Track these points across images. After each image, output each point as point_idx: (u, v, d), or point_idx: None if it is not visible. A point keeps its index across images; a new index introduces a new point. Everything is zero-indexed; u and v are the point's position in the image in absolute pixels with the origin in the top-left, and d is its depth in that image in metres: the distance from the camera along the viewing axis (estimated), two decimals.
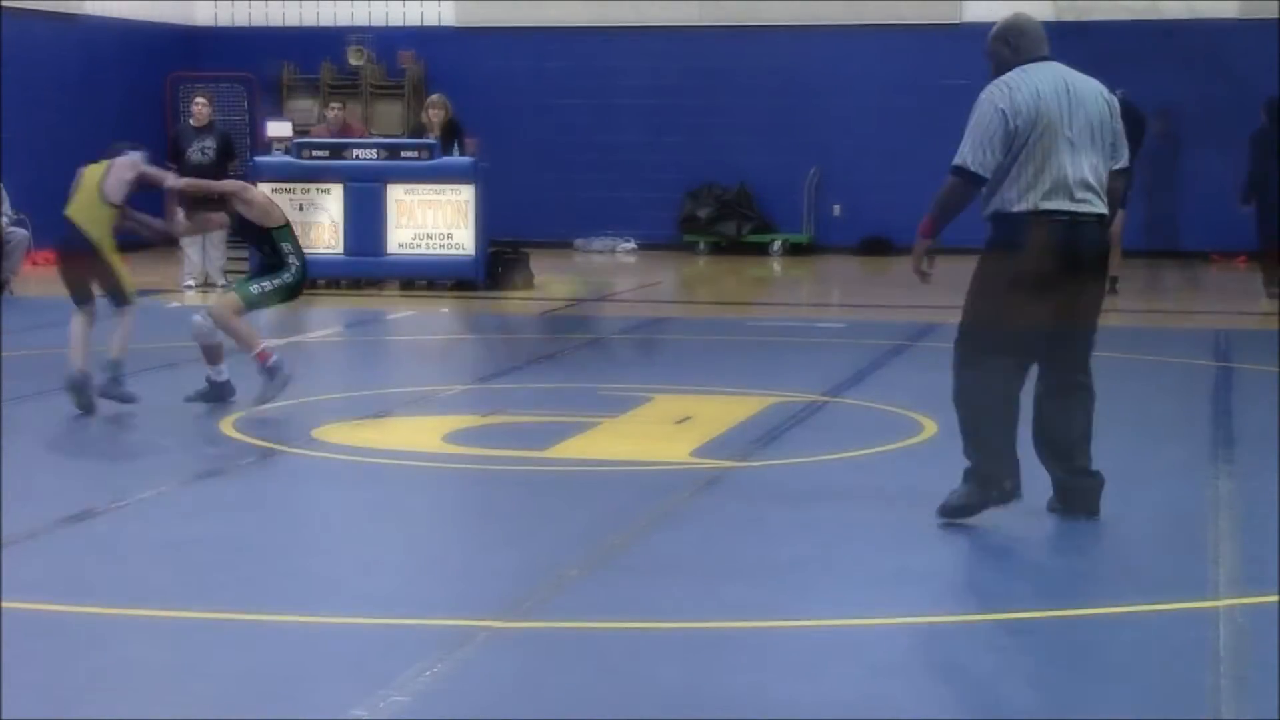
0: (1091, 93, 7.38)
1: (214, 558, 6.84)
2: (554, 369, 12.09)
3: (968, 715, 5.08)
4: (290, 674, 5.40)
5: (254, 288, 10.24)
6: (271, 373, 10.05)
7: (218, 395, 10.19)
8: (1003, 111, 7.17)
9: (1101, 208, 7.28)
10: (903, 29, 22.62)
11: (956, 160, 7.23)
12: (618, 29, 23.63)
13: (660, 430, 9.65)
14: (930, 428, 9.65)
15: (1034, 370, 7.45)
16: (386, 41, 24.11)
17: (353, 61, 23.85)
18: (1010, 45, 7.45)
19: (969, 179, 7.20)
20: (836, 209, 23.10)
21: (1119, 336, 14.51)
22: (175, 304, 16.90)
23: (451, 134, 17.92)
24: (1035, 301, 7.15)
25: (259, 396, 10.06)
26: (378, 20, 24.38)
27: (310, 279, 17.69)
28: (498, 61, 23.90)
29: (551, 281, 18.40)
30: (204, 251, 18.04)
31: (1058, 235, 7.15)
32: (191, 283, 18.01)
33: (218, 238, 18.09)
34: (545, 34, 23.85)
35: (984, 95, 7.26)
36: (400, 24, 24.38)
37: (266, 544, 7.20)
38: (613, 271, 21.33)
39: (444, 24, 24.28)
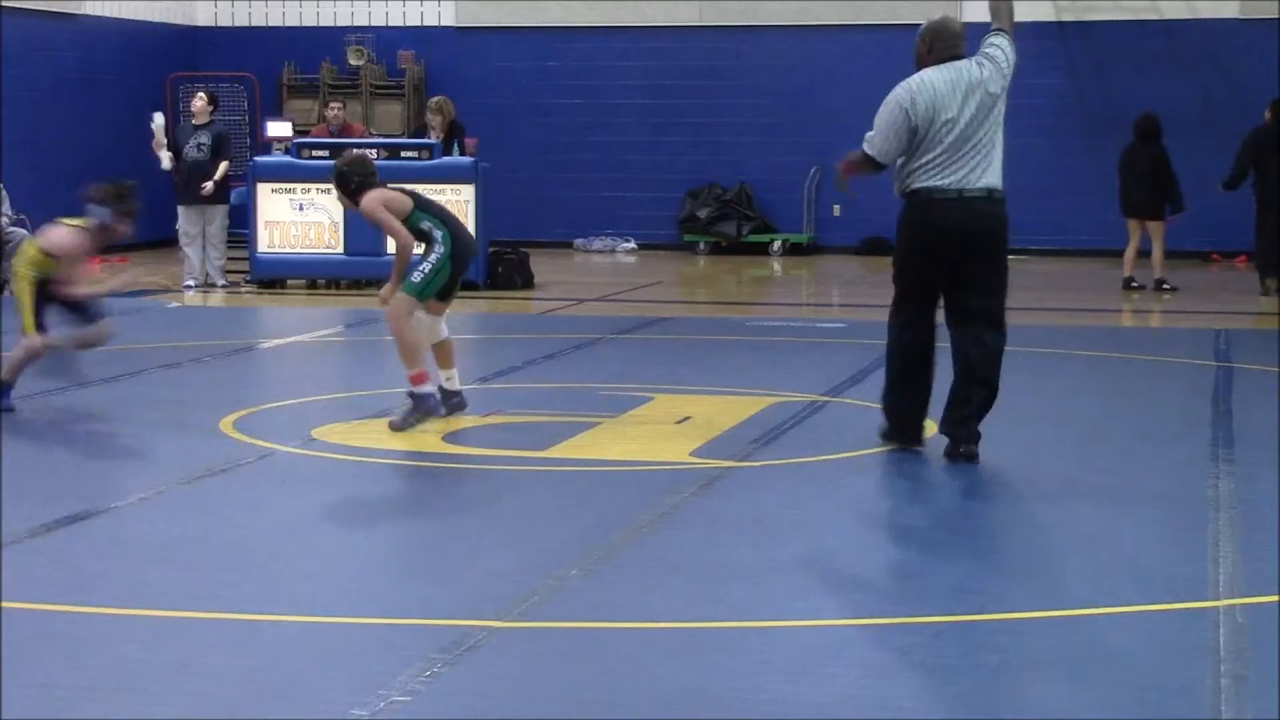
0: (983, 75, 8.62)
1: (214, 558, 6.85)
2: (554, 369, 12.08)
3: (968, 715, 5.08)
4: (290, 674, 5.40)
5: (415, 277, 9.46)
6: (418, 402, 9.33)
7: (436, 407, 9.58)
8: (905, 110, 8.53)
9: (995, 183, 8.64)
10: (903, 29, 22.54)
11: (865, 146, 8.65)
12: (618, 29, 23.63)
13: (660, 430, 9.64)
14: (930, 428, 9.64)
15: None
16: (386, 41, 24.12)
17: (353, 61, 23.86)
18: (927, 45, 8.74)
19: (871, 162, 8.67)
20: (836, 209, 23.09)
21: (1119, 336, 14.52)
22: (175, 304, 16.92)
23: (453, 134, 17.93)
24: (929, 267, 8.64)
25: (395, 421, 9.37)
26: (378, 20, 24.38)
27: (319, 277, 18.02)
28: (498, 61, 23.90)
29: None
30: (204, 251, 18.05)
31: (947, 209, 8.55)
32: (191, 283, 18.01)
33: (218, 238, 18.12)
34: (545, 34, 23.85)
35: (891, 93, 8.59)
36: (400, 24, 24.38)
37: (266, 544, 7.20)
38: (613, 271, 21.33)
39: (444, 24, 24.27)
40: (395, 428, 9.34)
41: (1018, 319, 15.76)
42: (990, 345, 8.71)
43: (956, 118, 8.49)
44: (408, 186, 9.87)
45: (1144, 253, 18.44)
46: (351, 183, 9.62)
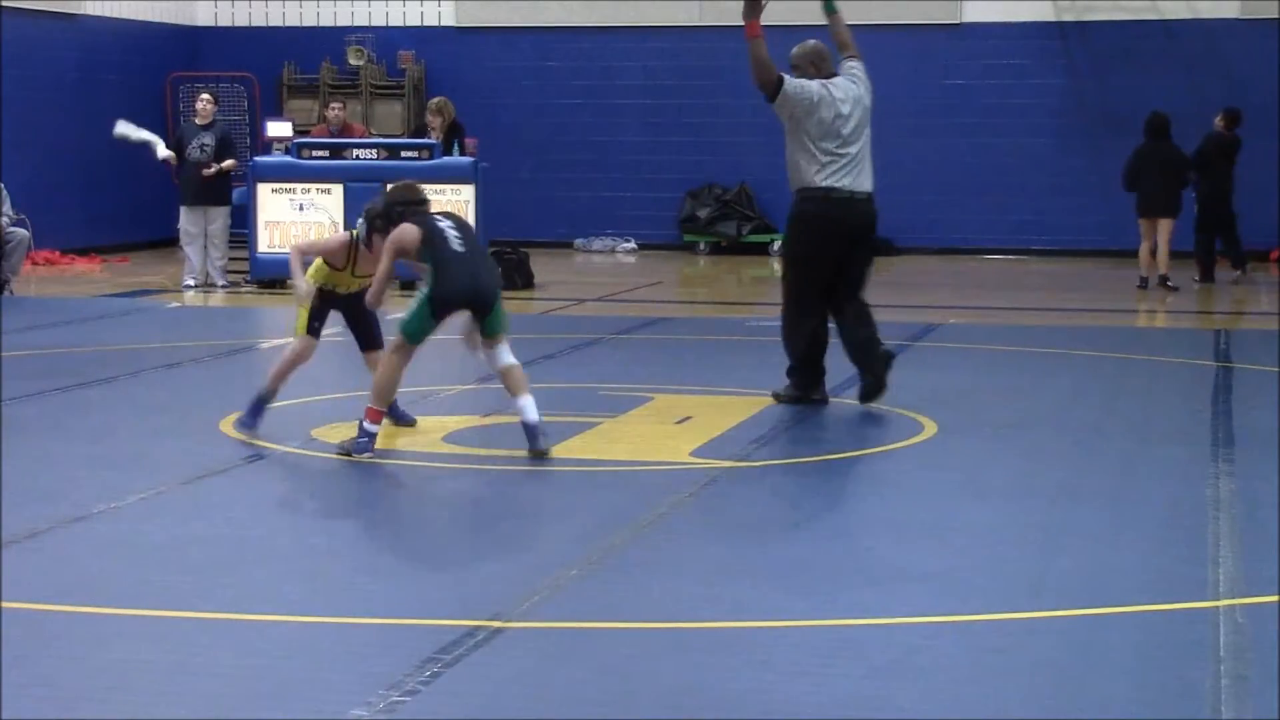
0: (862, 89, 10.47)
1: (214, 558, 6.85)
2: (554, 369, 12.07)
3: (968, 715, 5.08)
4: (290, 674, 5.40)
5: (403, 316, 8.98)
6: (361, 435, 8.84)
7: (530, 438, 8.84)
8: (819, 91, 10.32)
9: (871, 186, 10.36)
10: (903, 29, 22.59)
11: (790, 79, 10.34)
12: (618, 29, 23.62)
13: (660, 430, 9.64)
14: (930, 428, 9.65)
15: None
16: (386, 41, 24.12)
17: (353, 61, 23.86)
18: (815, 65, 10.50)
19: (776, 87, 10.30)
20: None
21: (1119, 336, 14.52)
22: (175, 304, 16.92)
23: (453, 134, 17.93)
24: (826, 254, 10.31)
25: (345, 444, 8.92)
26: (378, 20, 24.38)
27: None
28: (498, 61, 23.89)
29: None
30: (204, 251, 18.05)
31: (840, 207, 10.25)
32: (192, 282, 18.01)
33: (219, 238, 18.11)
34: (545, 34, 23.85)
35: (814, 83, 10.36)
36: (400, 24, 24.39)
37: (266, 544, 7.20)
38: (613, 271, 21.33)
39: (444, 24, 24.27)
40: (340, 449, 8.90)
41: (1019, 319, 15.85)
42: (872, 327, 10.42)
43: (847, 119, 10.27)
44: (434, 215, 9.14)
45: (1152, 252, 18.50)
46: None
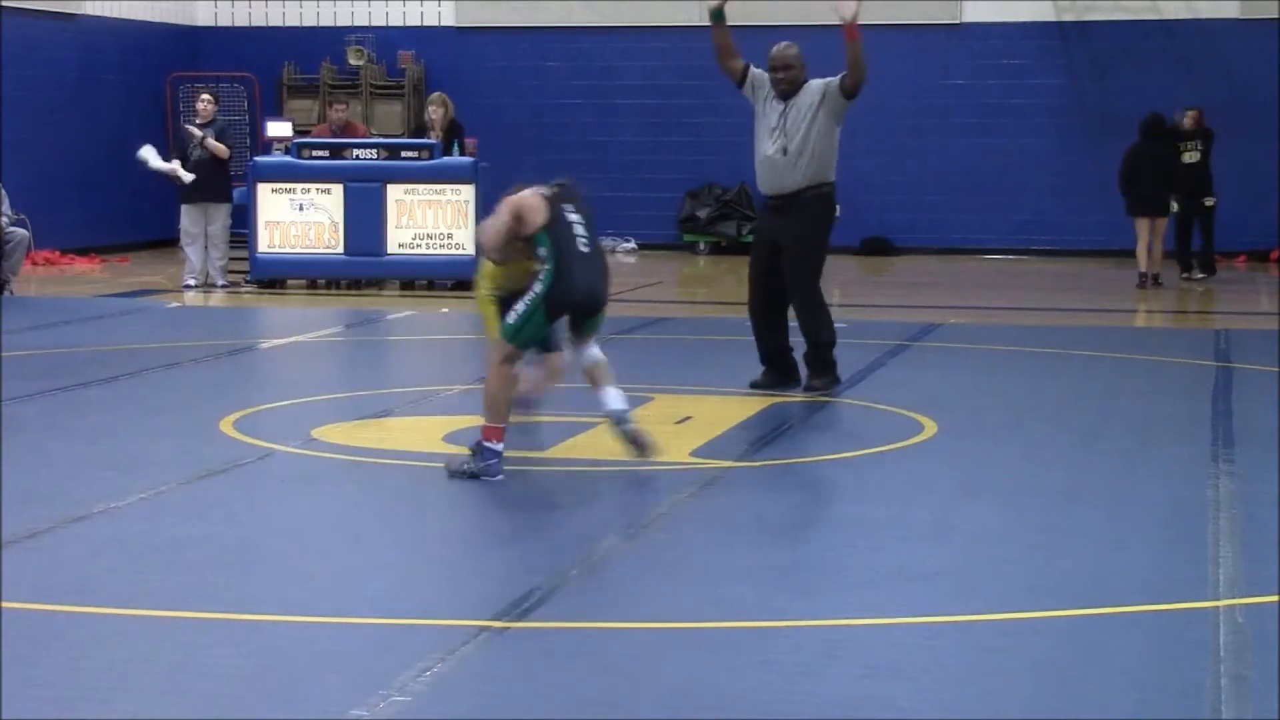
0: None
1: (214, 558, 6.84)
2: None
3: (968, 715, 5.08)
4: (290, 674, 5.40)
5: (510, 319, 8.37)
6: (483, 456, 8.29)
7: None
8: None
9: None
10: (903, 29, 22.59)
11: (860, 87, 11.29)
12: (618, 29, 23.63)
13: (660, 430, 9.62)
14: (930, 428, 9.65)
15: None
16: (386, 41, 24.12)
17: (353, 61, 23.86)
18: (803, 68, 11.44)
19: (863, 76, 11.52)
20: (836, 209, 23.07)
21: (1119, 336, 14.52)
22: (175, 304, 16.91)
23: (452, 134, 17.92)
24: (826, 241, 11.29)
25: (450, 465, 8.42)
26: (378, 20, 24.38)
27: (329, 277, 18.01)
28: (498, 61, 23.89)
29: None
30: (204, 251, 18.03)
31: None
32: (192, 282, 17.99)
33: (220, 238, 18.10)
34: (545, 34, 23.85)
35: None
36: (400, 24, 24.39)
37: (266, 544, 7.20)
38: (613, 271, 21.30)
39: (444, 24, 24.27)
40: (448, 470, 8.44)
41: (1019, 319, 15.85)
42: None
43: None
44: (563, 203, 8.54)
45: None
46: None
